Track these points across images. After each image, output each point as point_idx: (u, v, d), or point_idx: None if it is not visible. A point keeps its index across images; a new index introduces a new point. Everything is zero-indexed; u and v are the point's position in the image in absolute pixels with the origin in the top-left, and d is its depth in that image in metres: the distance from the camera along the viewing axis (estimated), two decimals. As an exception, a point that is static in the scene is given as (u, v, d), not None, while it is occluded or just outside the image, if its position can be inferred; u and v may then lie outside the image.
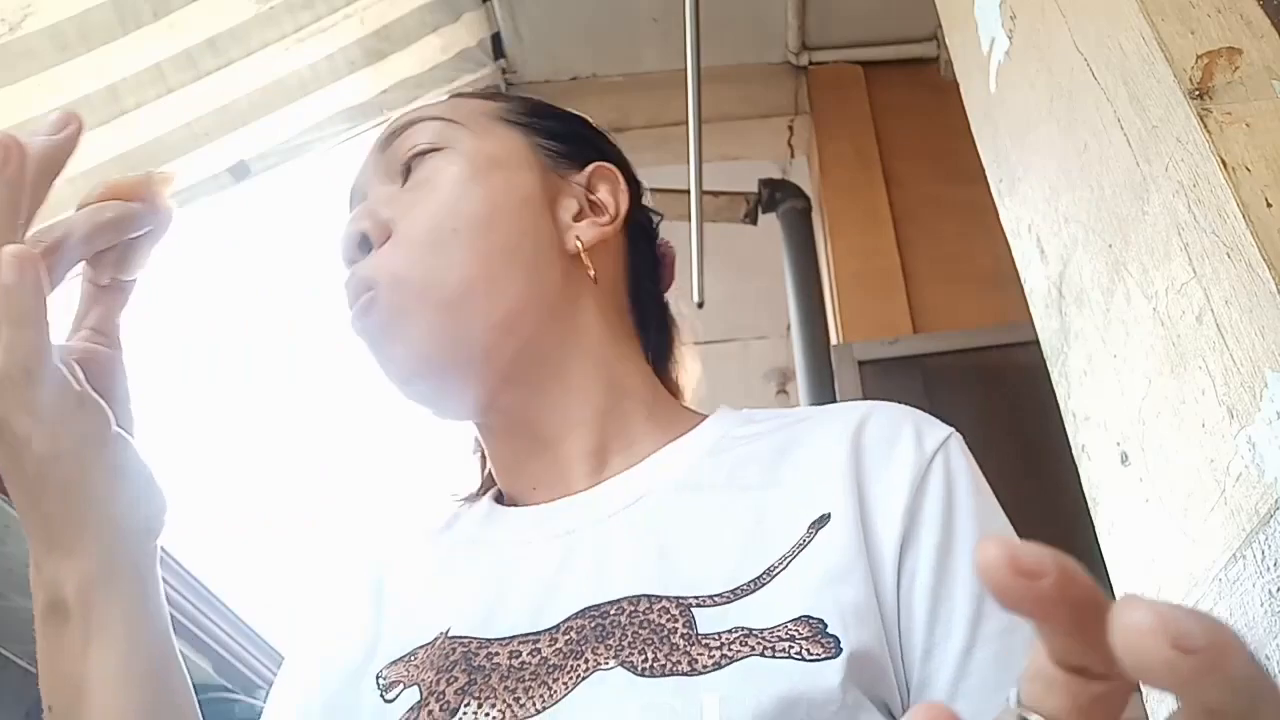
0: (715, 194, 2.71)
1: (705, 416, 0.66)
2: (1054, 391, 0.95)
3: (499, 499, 0.66)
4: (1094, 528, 0.79)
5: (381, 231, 0.60)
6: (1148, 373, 0.74)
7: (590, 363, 0.63)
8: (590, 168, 0.69)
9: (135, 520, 0.51)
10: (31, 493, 0.45)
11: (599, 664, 0.49)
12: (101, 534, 0.48)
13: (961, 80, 1.10)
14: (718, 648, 0.47)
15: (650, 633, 0.49)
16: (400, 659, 0.54)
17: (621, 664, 0.48)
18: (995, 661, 0.51)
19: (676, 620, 0.49)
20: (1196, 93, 0.65)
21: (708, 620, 0.49)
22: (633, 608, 0.51)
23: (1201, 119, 0.64)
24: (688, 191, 2.30)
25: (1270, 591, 0.58)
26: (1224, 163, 0.62)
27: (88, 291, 0.51)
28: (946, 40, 1.20)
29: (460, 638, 0.53)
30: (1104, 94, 0.76)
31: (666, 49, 2.40)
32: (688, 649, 0.47)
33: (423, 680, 0.51)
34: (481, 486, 0.70)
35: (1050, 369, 0.95)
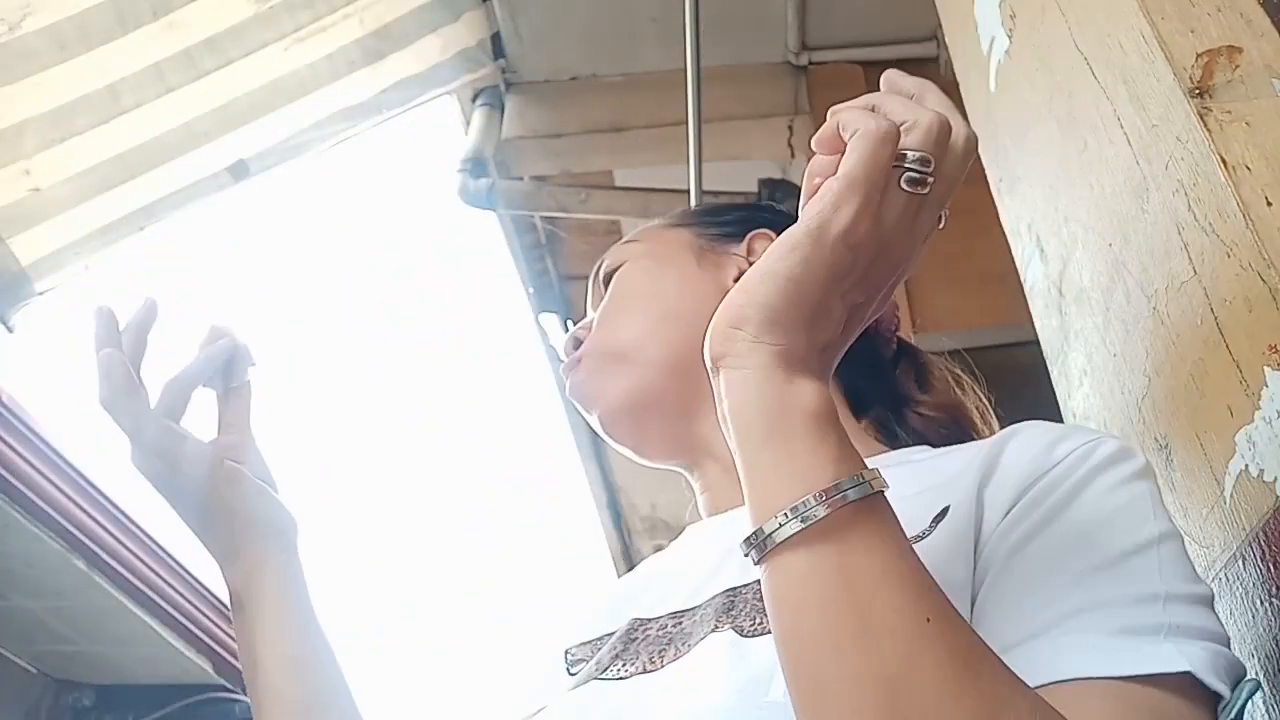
0: (715, 194, 2.71)
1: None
2: (1054, 391, 0.95)
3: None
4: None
5: (588, 331, 0.81)
6: (1147, 371, 0.73)
7: None
8: (749, 236, 0.81)
9: (275, 529, 0.75)
10: (213, 526, 0.75)
11: (718, 628, 0.56)
12: (255, 541, 0.74)
13: (961, 80, 1.10)
14: None
15: (763, 602, 0.50)
16: (590, 641, 0.67)
17: (733, 627, 0.55)
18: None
19: None
20: (1196, 91, 0.65)
21: None
22: (760, 586, 0.50)
23: (1201, 117, 0.64)
24: (688, 191, 2.30)
25: (1270, 590, 0.58)
26: (1224, 161, 0.61)
27: (217, 398, 0.78)
28: (946, 40, 1.19)
29: (637, 619, 0.64)
30: (1104, 93, 0.76)
31: (666, 49, 2.40)
32: None
33: (599, 655, 0.63)
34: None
35: (1050, 368, 0.95)
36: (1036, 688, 0.41)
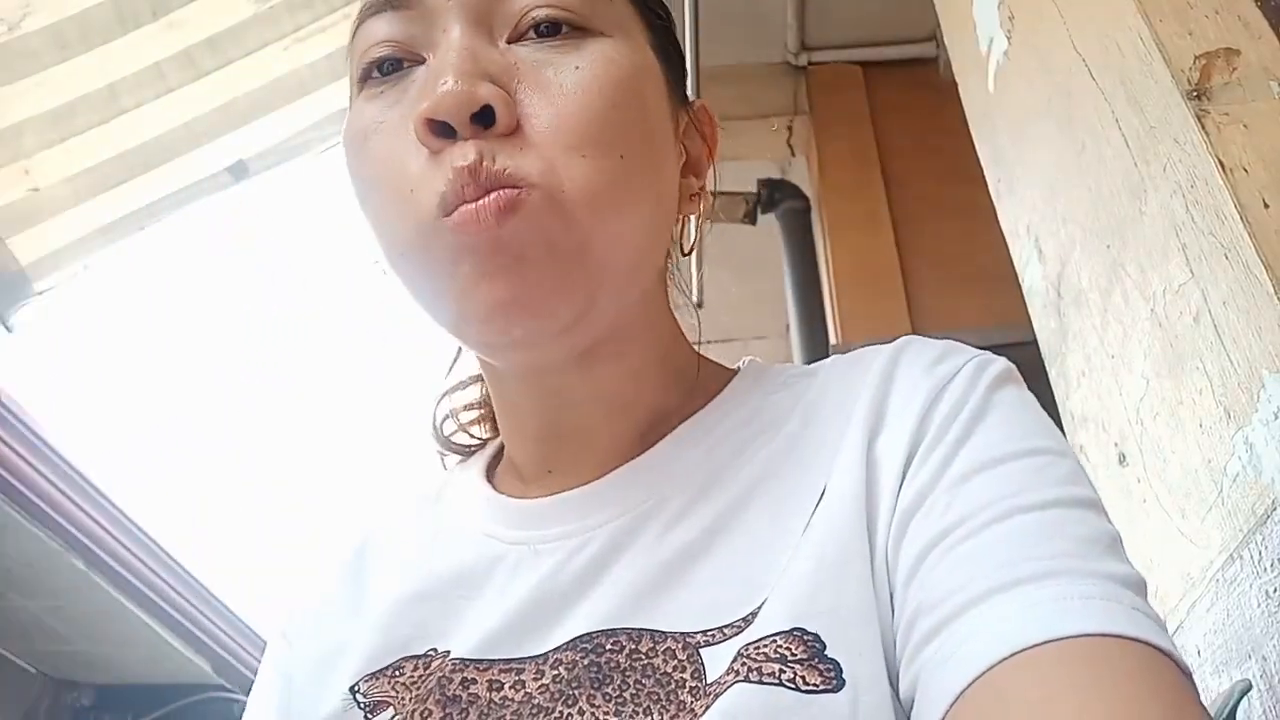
0: (715, 194, 2.71)
1: (732, 373, 0.56)
2: (1052, 392, 0.95)
3: (490, 472, 0.57)
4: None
5: (510, 116, 0.44)
6: (1145, 373, 0.74)
7: (654, 342, 0.53)
8: (694, 106, 0.56)
9: None
10: None
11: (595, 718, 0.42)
12: None
13: (960, 80, 1.10)
14: (714, 694, 0.40)
15: (655, 684, 0.41)
16: (384, 672, 0.48)
17: None
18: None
19: (685, 668, 0.41)
20: (1194, 93, 0.65)
21: (716, 661, 0.41)
22: (633, 646, 0.43)
23: (1199, 120, 0.64)
24: (687, 191, 2.29)
25: (1267, 592, 0.58)
26: (1222, 164, 0.62)
27: None
28: (945, 40, 1.20)
29: (456, 660, 0.46)
30: (1102, 94, 0.76)
31: (666, 49, 2.40)
32: (693, 705, 0.40)
33: (402, 705, 0.46)
34: (471, 449, 0.61)
35: (1048, 369, 0.95)
36: (1025, 649, 0.34)
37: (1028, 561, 0.37)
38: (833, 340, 2.40)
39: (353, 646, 0.49)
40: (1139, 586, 0.38)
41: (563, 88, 0.45)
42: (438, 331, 0.50)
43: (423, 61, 0.47)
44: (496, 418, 0.56)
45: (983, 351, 0.49)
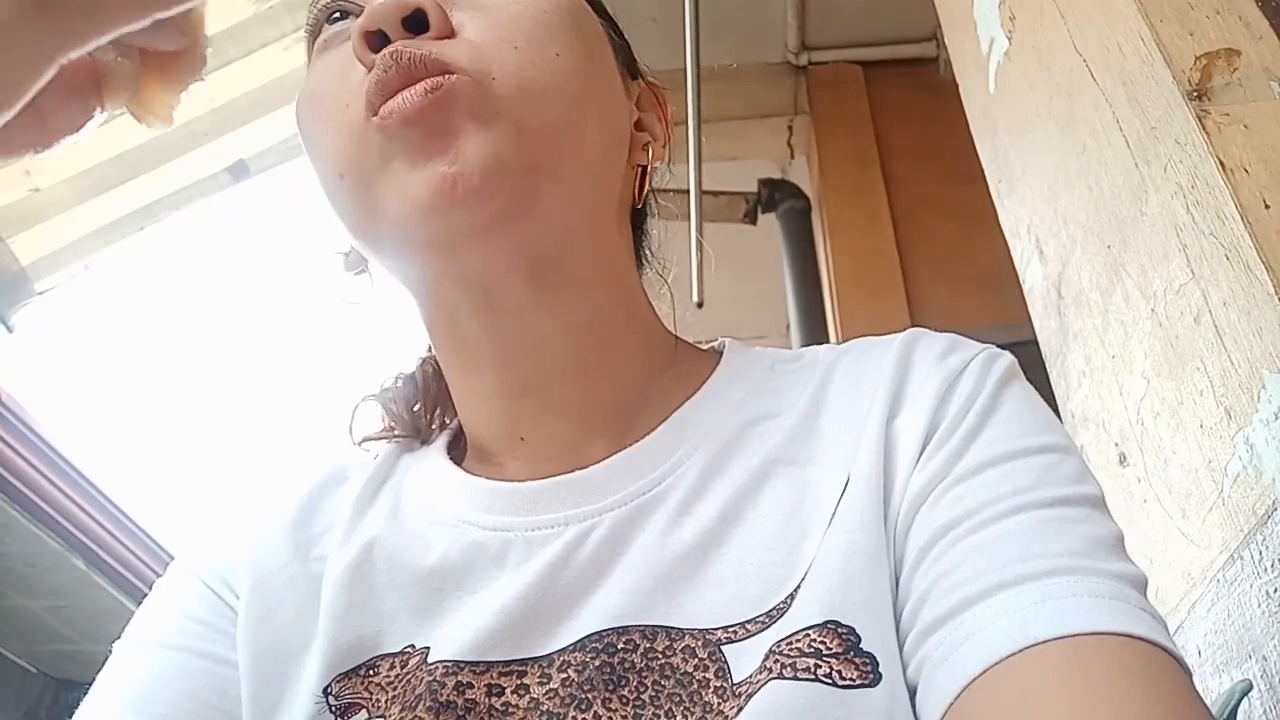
0: (715, 194, 2.71)
1: (716, 355, 0.55)
2: (1053, 392, 0.95)
3: (452, 449, 0.53)
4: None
5: (443, 21, 0.43)
6: (1146, 373, 0.74)
7: (618, 291, 0.51)
8: (642, 83, 0.57)
9: None
10: None
11: None
12: None
13: (961, 80, 1.10)
14: (747, 694, 0.38)
15: (676, 685, 0.39)
16: (357, 672, 0.43)
17: None
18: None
19: (707, 667, 0.39)
20: (1195, 94, 0.65)
21: (740, 658, 0.39)
22: (648, 644, 0.40)
23: (1200, 120, 0.64)
24: (687, 191, 2.30)
25: (1267, 592, 0.58)
26: (1222, 164, 0.62)
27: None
28: (946, 40, 1.20)
29: (447, 663, 0.42)
30: (1103, 95, 0.76)
31: (665, 49, 2.40)
32: (721, 707, 0.38)
33: (377, 707, 0.42)
34: (426, 425, 0.56)
35: (1049, 369, 0.95)
36: (1037, 644, 0.34)
37: (1036, 558, 0.37)
38: (833, 340, 2.40)
39: (314, 642, 0.45)
40: (1142, 585, 0.38)
41: (499, 2, 0.45)
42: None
43: None
44: (451, 389, 0.52)
45: (988, 345, 0.49)
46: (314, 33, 0.49)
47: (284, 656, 0.45)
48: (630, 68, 0.55)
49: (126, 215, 2.12)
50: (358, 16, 0.46)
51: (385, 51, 0.41)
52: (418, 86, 0.41)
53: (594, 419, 0.48)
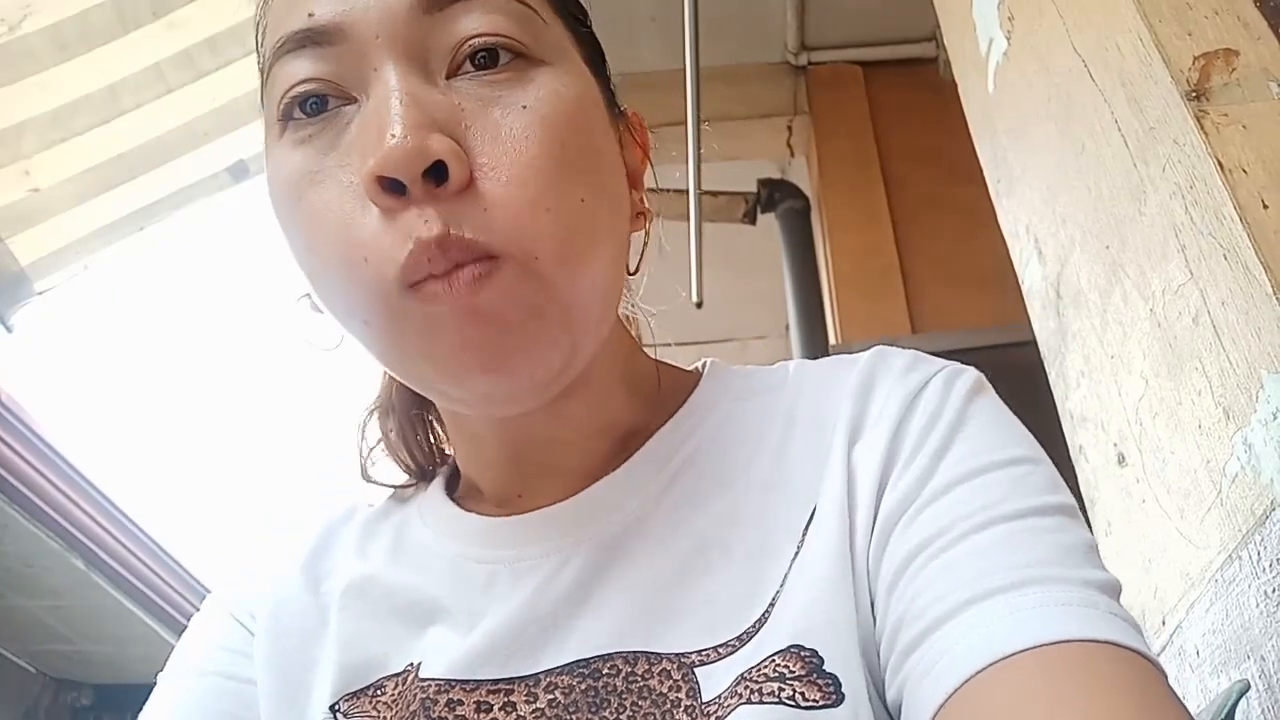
0: (714, 194, 2.71)
1: (695, 376, 0.56)
2: (1051, 392, 0.95)
3: (450, 488, 0.56)
4: (1091, 528, 0.79)
5: (463, 170, 0.41)
6: (1145, 374, 0.74)
7: (614, 364, 0.53)
8: (626, 115, 0.54)
9: None
10: None
11: None
12: None
13: (960, 80, 1.10)
14: (716, 715, 0.40)
15: (651, 705, 0.42)
16: (365, 692, 0.47)
17: None
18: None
19: (680, 688, 0.42)
20: (1194, 94, 0.65)
21: (712, 680, 0.42)
22: (629, 669, 0.43)
23: (1199, 120, 0.64)
24: (686, 191, 2.30)
25: (1266, 592, 0.58)
26: (1221, 164, 0.62)
27: None
28: (945, 41, 1.20)
29: (425, 679, 0.45)
30: (1101, 95, 0.76)
31: (665, 48, 2.40)
32: None
33: None
34: (423, 469, 0.59)
35: (1048, 369, 0.95)
36: (1011, 655, 0.35)
37: (1006, 570, 0.38)
38: (833, 340, 2.40)
39: (323, 664, 0.49)
40: (1115, 591, 0.39)
41: (513, 132, 0.42)
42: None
43: (352, 100, 0.43)
44: (454, 449, 0.56)
45: (950, 362, 0.50)
46: (284, 117, 0.44)
47: (295, 676, 0.49)
48: (614, 107, 0.53)
49: (126, 215, 2.12)
50: (344, 104, 0.43)
51: (428, 240, 0.39)
52: (464, 275, 0.40)
53: (590, 468, 0.51)
